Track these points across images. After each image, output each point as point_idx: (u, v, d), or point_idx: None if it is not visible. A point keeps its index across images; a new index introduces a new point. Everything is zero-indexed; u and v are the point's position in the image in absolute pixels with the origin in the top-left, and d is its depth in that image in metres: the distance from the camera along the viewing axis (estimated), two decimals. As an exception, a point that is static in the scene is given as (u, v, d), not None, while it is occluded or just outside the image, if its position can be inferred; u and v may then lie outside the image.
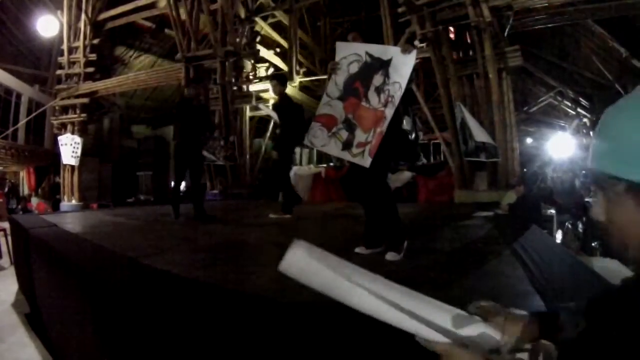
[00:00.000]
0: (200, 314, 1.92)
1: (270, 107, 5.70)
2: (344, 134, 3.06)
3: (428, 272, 2.62)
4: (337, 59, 3.18)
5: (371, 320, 0.91)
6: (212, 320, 1.87)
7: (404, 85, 2.87)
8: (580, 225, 9.37)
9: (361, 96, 3.01)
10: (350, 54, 3.09)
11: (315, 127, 3.20)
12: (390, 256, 2.87)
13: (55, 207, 15.09)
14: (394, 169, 9.14)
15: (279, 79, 5.96)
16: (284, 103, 5.92)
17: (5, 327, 4.88)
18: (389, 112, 2.84)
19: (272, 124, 5.62)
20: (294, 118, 5.77)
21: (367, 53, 2.99)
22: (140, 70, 14.04)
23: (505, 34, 9.13)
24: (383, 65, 2.93)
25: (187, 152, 5.80)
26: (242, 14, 12.38)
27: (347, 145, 3.03)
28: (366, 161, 2.88)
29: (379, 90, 2.92)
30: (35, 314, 4.96)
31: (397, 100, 2.85)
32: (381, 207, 3.04)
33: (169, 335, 1.94)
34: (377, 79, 2.93)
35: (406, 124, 3.11)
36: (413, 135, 3.17)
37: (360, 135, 2.98)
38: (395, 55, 2.92)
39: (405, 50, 2.90)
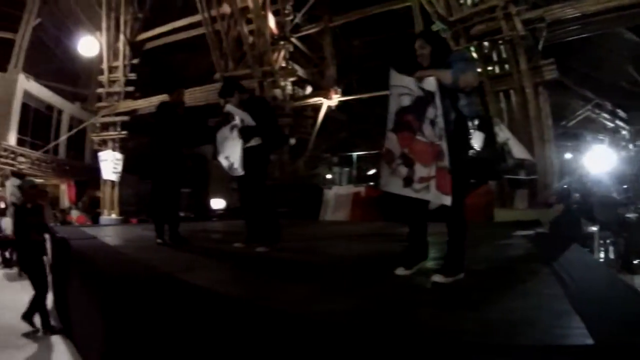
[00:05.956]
0: (233, 329, 1.98)
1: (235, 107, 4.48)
2: (403, 170, 2.97)
3: (466, 292, 2.62)
4: (389, 86, 3.11)
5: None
6: (246, 336, 1.92)
7: (440, 113, 2.81)
8: (622, 242, 9.13)
9: (415, 130, 2.93)
10: (401, 85, 3.02)
11: (383, 166, 3.15)
12: (438, 278, 2.80)
13: (95, 220, 15.57)
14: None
15: (232, 89, 4.59)
16: (255, 102, 4.74)
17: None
18: (445, 146, 2.77)
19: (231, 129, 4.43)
20: (273, 119, 4.71)
21: (419, 87, 2.92)
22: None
23: (540, 46, 9.07)
24: (433, 98, 2.85)
25: (168, 168, 4.96)
26: (278, 34, 12.68)
27: (408, 182, 2.94)
28: (436, 197, 2.80)
29: (433, 123, 2.84)
30: (65, 322, 5.26)
31: (443, 129, 2.79)
32: (457, 229, 2.97)
33: (203, 351, 2.00)
34: (430, 112, 2.86)
35: (476, 141, 2.98)
36: (487, 153, 3.02)
37: (421, 170, 2.88)
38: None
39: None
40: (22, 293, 6.21)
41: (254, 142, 4.43)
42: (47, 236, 5.89)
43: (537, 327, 1.87)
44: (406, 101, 3.00)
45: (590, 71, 14.48)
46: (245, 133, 4.40)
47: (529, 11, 8.84)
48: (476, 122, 2.98)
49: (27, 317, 5.33)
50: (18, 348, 4.76)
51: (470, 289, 2.70)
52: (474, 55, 9.14)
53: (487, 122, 3.17)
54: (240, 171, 4.37)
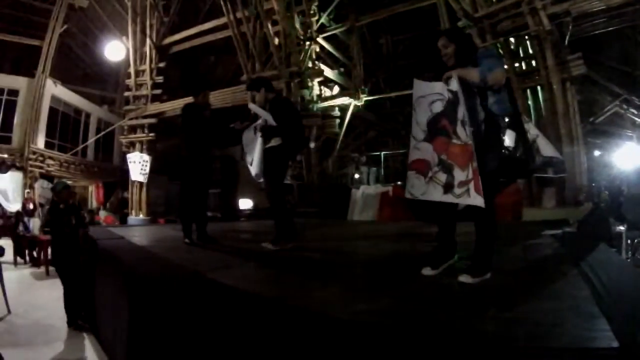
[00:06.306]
0: (262, 329, 1.99)
1: (258, 106, 4.49)
2: (442, 177, 2.89)
3: (492, 293, 2.59)
4: (414, 98, 3.06)
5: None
6: (275, 335, 1.93)
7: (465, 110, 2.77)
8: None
9: (450, 133, 2.86)
10: (431, 93, 2.96)
11: (411, 176, 3.08)
12: (465, 278, 2.77)
13: (123, 221, 15.92)
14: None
15: (260, 84, 4.63)
16: (280, 102, 4.69)
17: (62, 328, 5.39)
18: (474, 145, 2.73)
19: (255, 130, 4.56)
20: (296, 121, 4.67)
21: (447, 90, 2.86)
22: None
23: (566, 41, 8.96)
24: (458, 97, 2.79)
25: (196, 169, 4.94)
26: (304, 35, 12.72)
27: (448, 188, 2.86)
28: (475, 200, 2.71)
29: (464, 124, 2.78)
30: (92, 320, 5.35)
31: (469, 126, 2.75)
32: (487, 229, 2.94)
33: (230, 350, 2.02)
34: (460, 113, 2.80)
35: (508, 139, 2.91)
36: (519, 151, 2.95)
37: (459, 174, 2.81)
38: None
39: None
40: (49, 291, 6.46)
41: (274, 143, 4.44)
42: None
43: (564, 329, 1.85)
44: (439, 107, 2.94)
45: (617, 65, 14.22)
46: (266, 133, 4.43)
47: (555, 5, 8.71)
48: (507, 120, 2.95)
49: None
50: (45, 345, 4.85)
51: (497, 289, 2.67)
52: (500, 51, 9.07)
53: (517, 119, 3.11)
54: (261, 177, 4.42)
